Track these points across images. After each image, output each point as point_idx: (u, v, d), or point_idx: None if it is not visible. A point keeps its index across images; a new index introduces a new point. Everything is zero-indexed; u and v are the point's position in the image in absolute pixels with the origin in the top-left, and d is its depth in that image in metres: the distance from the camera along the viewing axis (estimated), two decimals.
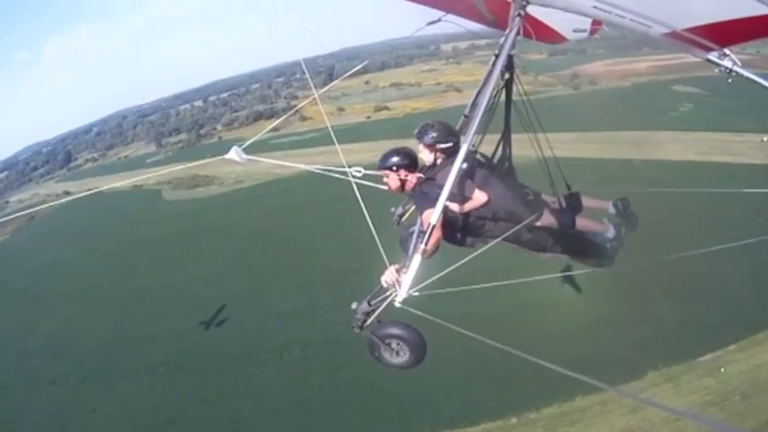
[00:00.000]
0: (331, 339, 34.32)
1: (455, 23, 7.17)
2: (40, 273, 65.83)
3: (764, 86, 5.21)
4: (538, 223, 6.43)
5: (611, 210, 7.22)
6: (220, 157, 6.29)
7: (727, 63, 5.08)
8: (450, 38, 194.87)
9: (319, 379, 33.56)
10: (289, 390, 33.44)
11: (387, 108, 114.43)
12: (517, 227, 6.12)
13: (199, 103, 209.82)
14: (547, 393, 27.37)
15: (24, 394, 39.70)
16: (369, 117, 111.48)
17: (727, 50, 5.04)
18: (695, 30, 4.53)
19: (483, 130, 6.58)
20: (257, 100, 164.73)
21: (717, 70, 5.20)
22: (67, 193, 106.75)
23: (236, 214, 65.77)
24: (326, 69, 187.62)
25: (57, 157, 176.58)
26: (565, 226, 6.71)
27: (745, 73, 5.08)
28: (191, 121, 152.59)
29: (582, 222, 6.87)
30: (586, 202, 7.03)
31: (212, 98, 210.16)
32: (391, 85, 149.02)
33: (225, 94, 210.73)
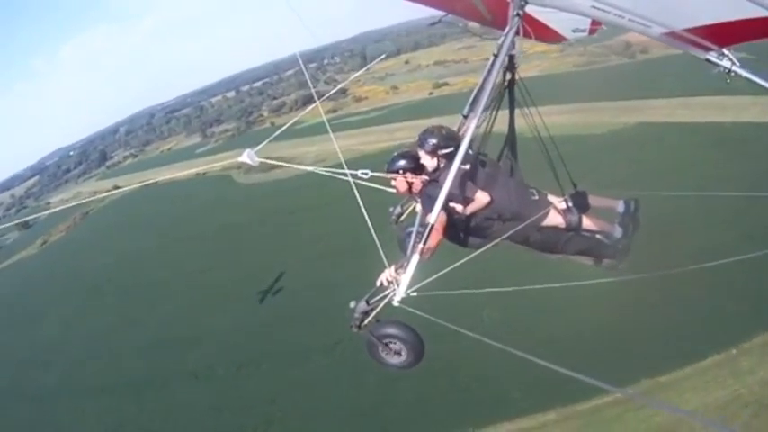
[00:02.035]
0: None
1: (455, 23, 7.82)
2: (123, 264, 61.27)
3: (764, 86, 5.06)
4: (544, 223, 6.49)
5: (620, 208, 6.97)
6: (233, 160, 6.28)
7: (725, 63, 4.85)
8: None
9: None
10: None
11: (447, 84, 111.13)
12: (519, 226, 6.23)
13: (231, 94, 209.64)
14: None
15: (166, 390, 35.32)
16: (431, 93, 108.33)
17: (725, 50, 4.84)
18: (694, 30, 4.52)
19: (486, 131, 6.86)
20: (294, 86, 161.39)
21: (715, 71, 4.94)
22: (117, 188, 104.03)
23: (324, 195, 59.91)
24: (360, 53, 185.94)
25: (89, 157, 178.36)
26: (571, 225, 6.69)
27: (744, 73, 4.88)
28: (235, 111, 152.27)
29: (588, 221, 6.87)
30: (594, 201, 7.06)
31: (244, 88, 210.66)
32: (435, 63, 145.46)
33: (258, 84, 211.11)
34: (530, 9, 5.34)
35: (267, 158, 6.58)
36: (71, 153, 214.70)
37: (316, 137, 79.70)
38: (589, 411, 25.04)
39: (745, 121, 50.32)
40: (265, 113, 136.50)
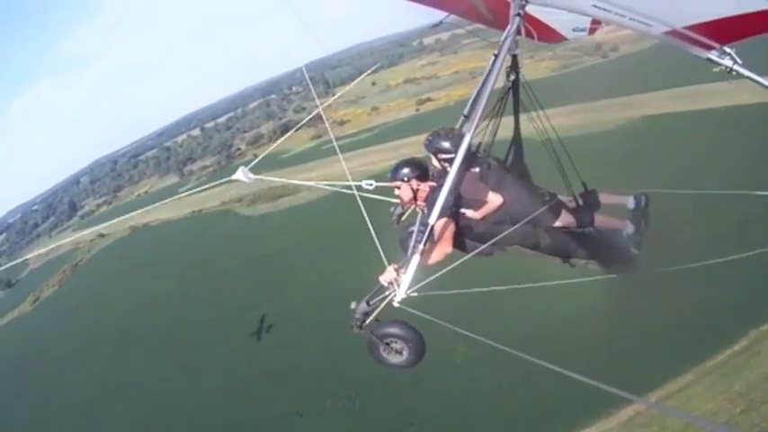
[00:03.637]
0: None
1: (455, 24, 7.78)
2: (147, 309, 58.08)
3: (765, 86, 5.22)
4: (556, 223, 6.46)
5: (631, 204, 7.08)
6: (227, 180, 6.40)
7: (727, 62, 4.91)
8: (429, 31, 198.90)
9: None
10: None
11: (430, 99, 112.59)
12: (524, 220, 6.15)
13: (195, 132, 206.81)
14: None
15: None
16: (418, 110, 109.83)
17: (727, 48, 4.87)
18: (695, 27, 4.52)
19: (493, 132, 6.81)
20: (263, 118, 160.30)
21: (717, 69, 5.01)
22: (102, 236, 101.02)
23: (343, 219, 57.74)
24: (321, 79, 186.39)
25: (56, 210, 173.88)
26: (583, 224, 6.73)
27: (746, 72, 4.97)
28: (213, 146, 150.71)
29: (600, 219, 6.88)
30: (604, 198, 7.01)
31: (209, 125, 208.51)
32: (405, 81, 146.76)
33: (222, 119, 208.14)
34: (530, 9, 5.46)
35: (262, 175, 6.43)
36: (34, 208, 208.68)
37: (310, 163, 79.11)
38: (719, 365, 27.57)
39: (737, 105, 51.50)
40: (243, 146, 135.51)
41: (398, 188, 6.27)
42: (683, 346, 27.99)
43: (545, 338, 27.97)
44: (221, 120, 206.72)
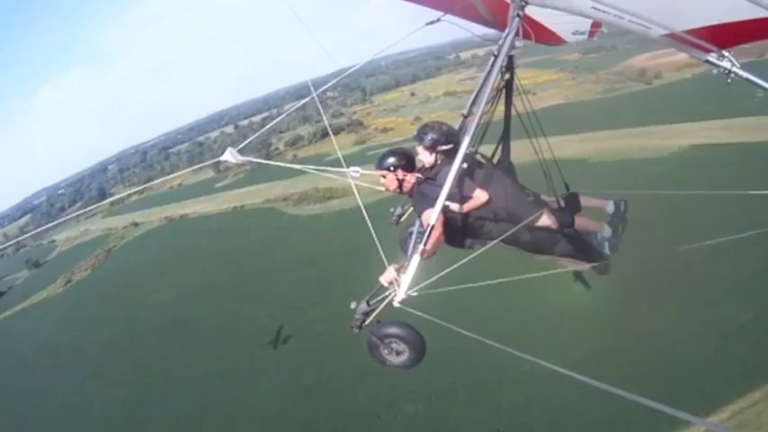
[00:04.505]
0: None
1: (454, 24, 7.43)
2: (191, 301, 56.35)
3: (764, 87, 5.21)
4: (538, 223, 6.50)
5: (610, 209, 7.28)
6: (215, 160, 6.15)
7: (725, 64, 4.97)
8: (463, 46, 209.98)
9: None
10: None
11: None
12: (517, 226, 6.16)
13: (229, 129, 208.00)
14: None
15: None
16: None
17: (725, 52, 4.92)
18: (694, 31, 4.58)
19: (483, 131, 6.81)
20: (299, 120, 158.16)
21: (715, 71, 5.02)
22: (136, 224, 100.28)
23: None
24: (357, 86, 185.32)
25: (83, 195, 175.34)
26: (564, 225, 6.76)
27: (744, 74, 5.01)
28: (253, 144, 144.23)
29: (580, 221, 6.95)
30: (585, 201, 7.16)
31: (243, 122, 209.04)
32: (445, 93, 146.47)
33: (257, 118, 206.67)
34: (530, 10, 5.46)
35: (251, 159, 6.32)
36: (61, 191, 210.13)
37: (351, 167, 77.97)
38: None
39: None
40: (281, 146, 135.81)
41: (384, 177, 6.22)
42: (750, 364, 28.92)
43: (610, 356, 29.12)
44: (256, 119, 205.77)
